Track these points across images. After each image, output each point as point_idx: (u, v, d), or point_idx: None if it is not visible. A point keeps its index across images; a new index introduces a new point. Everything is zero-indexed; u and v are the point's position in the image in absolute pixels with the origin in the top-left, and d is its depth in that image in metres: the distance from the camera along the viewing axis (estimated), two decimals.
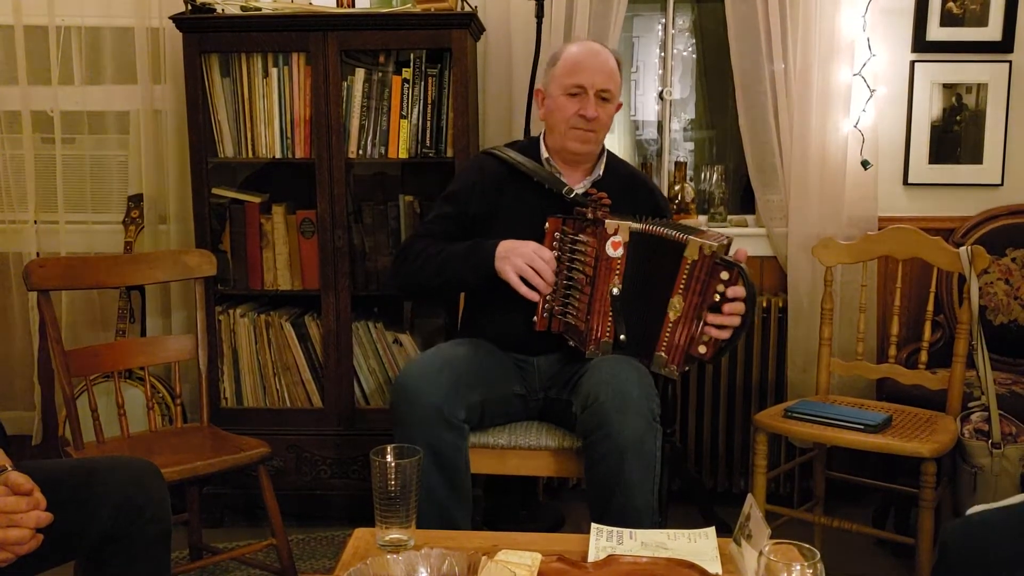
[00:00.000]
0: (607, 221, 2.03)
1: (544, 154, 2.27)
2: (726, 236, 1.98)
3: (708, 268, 1.92)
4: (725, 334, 1.93)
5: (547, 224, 2.11)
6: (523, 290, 2.05)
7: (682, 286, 1.94)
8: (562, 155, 2.25)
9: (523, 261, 2.05)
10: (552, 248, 2.10)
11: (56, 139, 3.02)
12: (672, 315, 1.96)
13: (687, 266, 1.93)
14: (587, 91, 2.16)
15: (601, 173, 2.27)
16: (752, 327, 2.91)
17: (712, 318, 1.92)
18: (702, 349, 1.95)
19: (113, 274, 2.39)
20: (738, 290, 1.90)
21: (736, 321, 1.92)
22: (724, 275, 1.90)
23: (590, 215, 2.06)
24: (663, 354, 1.98)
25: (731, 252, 1.96)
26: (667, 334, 1.97)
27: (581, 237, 2.07)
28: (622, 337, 2.04)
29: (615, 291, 2.03)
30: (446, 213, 2.28)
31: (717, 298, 1.91)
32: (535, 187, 2.22)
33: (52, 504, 1.37)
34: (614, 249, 2.02)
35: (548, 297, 2.09)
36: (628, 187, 2.29)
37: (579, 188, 2.22)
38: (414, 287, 2.30)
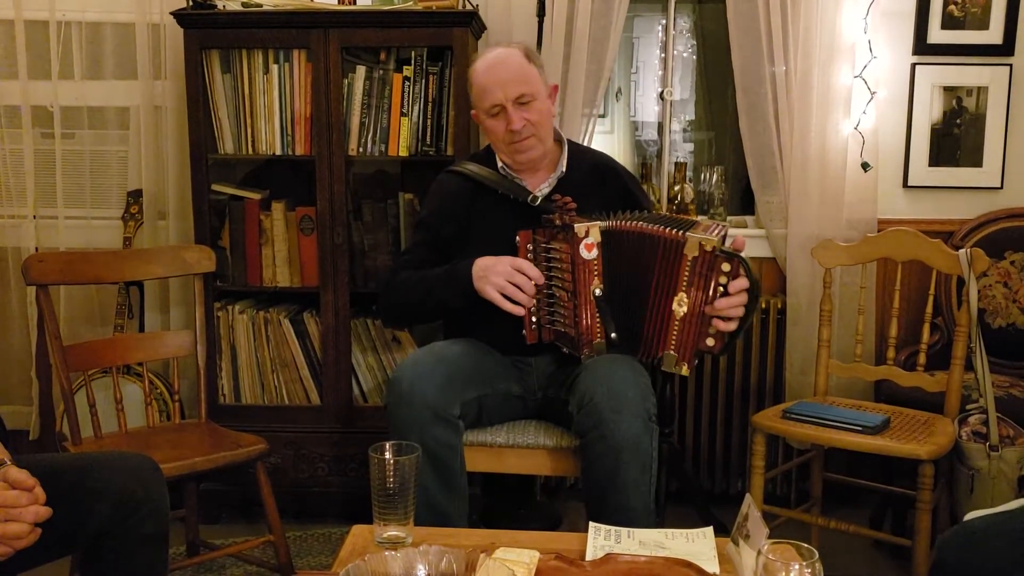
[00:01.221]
0: (576, 225, 2.00)
1: (499, 163, 2.26)
2: (721, 225, 1.97)
3: (709, 262, 1.91)
4: (732, 325, 1.92)
5: (517, 239, 2.09)
6: (507, 307, 2.03)
7: (685, 283, 1.93)
8: (514, 166, 2.25)
9: (503, 278, 2.03)
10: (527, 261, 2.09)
11: (56, 134, 3.02)
12: (679, 312, 1.95)
13: (688, 263, 1.92)
14: (503, 106, 2.15)
15: (564, 169, 2.26)
16: (754, 320, 2.91)
17: (717, 309, 1.91)
18: (710, 342, 1.94)
19: (112, 269, 2.39)
20: (741, 282, 1.90)
21: (740, 312, 1.91)
22: (725, 267, 1.90)
23: (558, 221, 2.04)
24: (673, 352, 1.97)
25: (727, 241, 1.96)
26: (675, 332, 1.96)
27: (553, 245, 2.05)
28: (613, 336, 2.03)
29: (597, 292, 2.02)
30: (422, 240, 2.28)
31: (721, 290, 1.91)
32: (502, 198, 2.21)
33: (50, 499, 1.36)
34: (588, 251, 2.01)
35: (532, 309, 2.08)
36: (595, 177, 2.28)
37: (544, 189, 2.22)
38: (405, 320, 2.34)
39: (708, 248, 1.90)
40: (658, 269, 1.97)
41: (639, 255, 2.00)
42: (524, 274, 2.04)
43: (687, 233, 1.93)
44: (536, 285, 2.05)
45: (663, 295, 1.97)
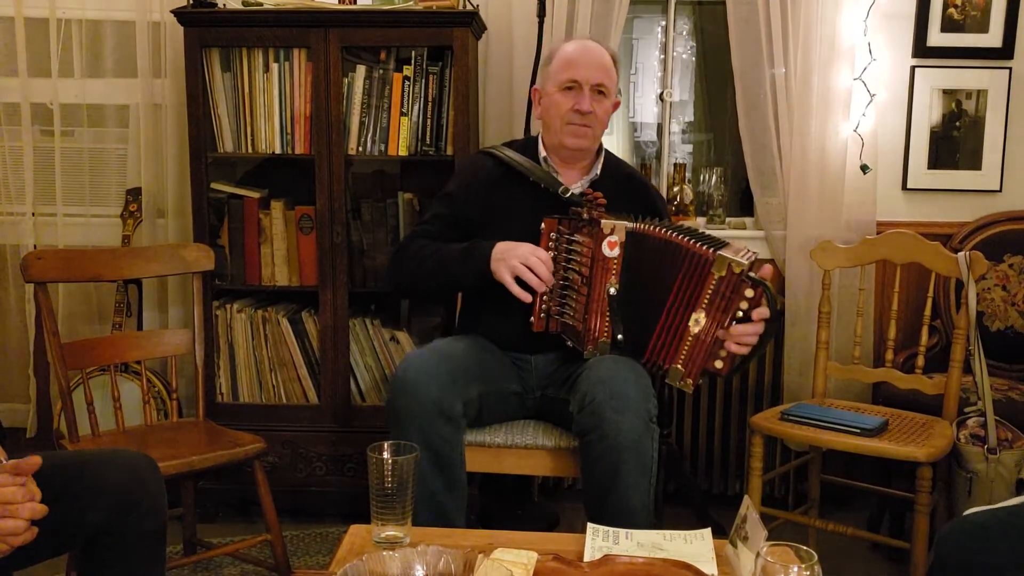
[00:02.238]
0: (603, 221, 2.02)
1: (542, 153, 2.27)
2: (751, 251, 1.93)
3: (734, 285, 1.87)
4: (744, 350, 1.89)
5: (543, 224, 2.10)
6: (516, 291, 2.04)
7: (706, 301, 1.90)
8: (559, 153, 2.25)
9: (518, 262, 2.04)
10: (548, 248, 2.09)
11: (55, 132, 3.01)
12: (695, 329, 1.92)
13: (713, 282, 1.89)
14: (581, 85, 2.17)
15: (599, 172, 2.27)
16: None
17: (732, 334, 1.88)
18: (719, 364, 1.91)
19: (111, 267, 2.39)
20: (762, 311, 1.86)
21: (754, 340, 1.88)
22: (748, 292, 1.86)
23: (586, 215, 2.05)
24: (680, 367, 1.95)
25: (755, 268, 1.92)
26: (686, 348, 1.93)
27: (577, 237, 2.06)
28: (619, 337, 2.03)
29: (612, 291, 2.02)
30: (442, 214, 2.28)
31: (740, 315, 1.87)
32: (531, 186, 2.21)
33: (47, 496, 1.36)
34: (610, 249, 2.01)
35: (545, 297, 2.09)
36: (625, 186, 2.29)
37: (576, 187, 2.22)
38: (411, 288, 2.32)
39: (736, 271, 1.86)
40: (680, 282, 1.94)
41: (661, 263, 1.98)
42: (541, 262, 2.04)
43: (718, 251, 1.89)
44: (552, 274, 2.06)
45: (680, 309, 1.94)
